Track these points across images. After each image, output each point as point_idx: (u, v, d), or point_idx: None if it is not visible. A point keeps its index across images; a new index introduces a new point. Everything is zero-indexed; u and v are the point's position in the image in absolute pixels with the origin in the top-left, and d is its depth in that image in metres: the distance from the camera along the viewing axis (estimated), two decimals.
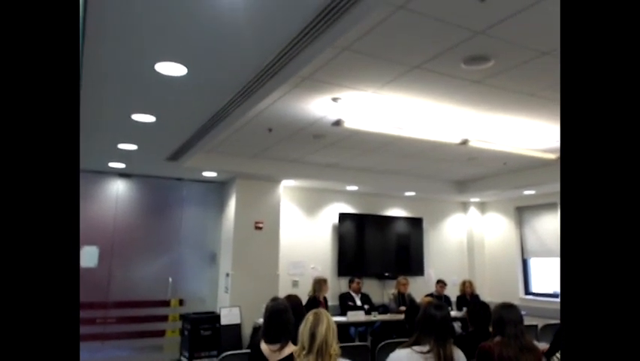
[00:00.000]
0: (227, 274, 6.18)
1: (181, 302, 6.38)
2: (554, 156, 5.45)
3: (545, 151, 5.32)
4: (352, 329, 6.04)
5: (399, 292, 6.59)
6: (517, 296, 7.69)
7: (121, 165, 5.78)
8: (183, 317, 6.12)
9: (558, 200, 7.25)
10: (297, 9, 2.11)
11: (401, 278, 6.72)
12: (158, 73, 2.87)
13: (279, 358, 2.38)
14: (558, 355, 2.48)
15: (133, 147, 4.81)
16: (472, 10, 2.42)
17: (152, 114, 3.74)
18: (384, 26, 2.58)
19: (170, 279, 6.32)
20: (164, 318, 6.28)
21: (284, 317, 2.51)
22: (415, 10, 2.42)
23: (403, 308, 5.86)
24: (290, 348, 2.37)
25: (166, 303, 6.30)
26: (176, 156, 5.19)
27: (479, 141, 4.92)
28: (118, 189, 6.27)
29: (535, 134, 4.71)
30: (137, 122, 3.90)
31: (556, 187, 6.76)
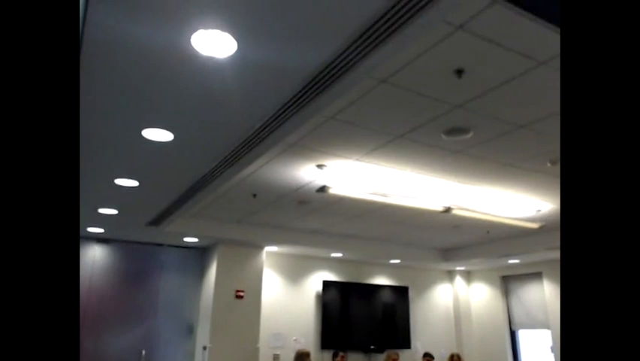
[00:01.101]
0: (205, 348, 5.84)
1: None
2: (537, 225, 5.52)
3: (528, 220, 5.39)
4: None
5: None
6: None
7: (100, 230, 5.64)
8: None
9: (542, 269, 7.25)
10: (286, 80, 2.19)
11: (392, 353, 6.41)
12: (145, 139, 2.89)
13: None
14: None
15: (113, 211, 4.72)
16: (450, 86, 2.54)
17: (135, 179, 3.71)
18: (368, 98, 2.68)
19: (144, 352, 5.94)
20: None
21: None
22: (396, 85, 2.54)
23: None
24: None
25: None
26: (157, 220, 5.10)
27: (462, 210, 4.98)
28: (95, 254, 6.06)
29: (516, 203, 4.79)
30: (119, 186, 3.86)
31: (540, 256, 6.78)
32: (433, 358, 6.56)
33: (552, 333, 6.94)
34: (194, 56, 1.98)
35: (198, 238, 5.99)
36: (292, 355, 5.78)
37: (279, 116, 2.55)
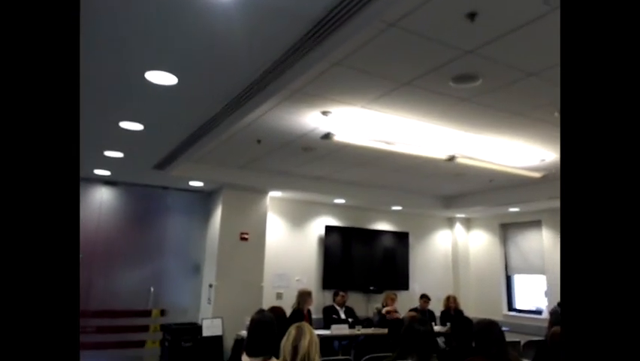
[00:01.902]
0: (211, 285, 6.10)
1: (162, 313, 6.27)
2: (539, 174, 5.54)
3: (531, 169, 5.41)
4: (336, 343, 5.99)
5: (385, 306, 6.54)
6: (501, 312, 7.73)
7: (106, 173, 5.71)
8: (164, 328, 6.01)
9: (542, 218, 7.36)
10: (291, 23, 2.13)
11: (390, 293, 6.67)
12: (148, 82, 2.86)
13: None
14: None
15: (119, 154, 4.76)
16: (462, 30, 2.46)
17: (140, 122, 3.71)
18: (375, 43, 2.61)
19: (152, 289, 6.22)
20: (145, 328, 6.16)
21: (269, 331, 2.48)
22: (405, 28, 2.46)
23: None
24: None
25: (147, 313, 6.18)
26: (162, 164, 5.15)
27: (466, 158, 4.98)
28: (102, 196, 6.18)
29: (521, 152, 4.78)
30: (124, 129, 3.86)
31: (540, 205, 6.86)
32: (430, 299, 6.85)
33: (547, 278, 7.17)
34: None
35: (203, 182, 6.07)
36: (295, 294, 6.04)
37: (285, 60, 2.50)
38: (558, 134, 4.16)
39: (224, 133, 3.96)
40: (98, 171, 5.64)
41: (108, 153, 4.73)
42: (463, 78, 3.05)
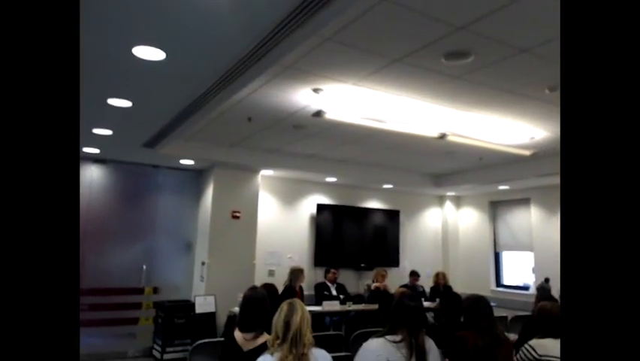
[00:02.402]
0: (203, 263, 6.14)
1: (155, 290, 6.32)
2: (529, 152, 5.58)
3: (520, 147, 5.44)
4: (327, 319, 6.10)
5: (377, 282, 6.64)
6: (489, 288, 7.89)
7: (95, 151, 5.65)
8: (157, 305, 6.06)
9: (531, 195, 7.45)
10: None
11: (380, 270, 6.76)
12: (136, 57, 2.80)
13: (252, 347, 2.38)
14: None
15: (108, 132, 4.70)
16: (455, 5, 2.44)
17: (128, 99, 3.66)
18: (367, 18, 2.57)
19: (145, 266, 6.24)
20: (138, 306, 6.21)
21: (261, 307, 2.51)
22: (398, 3, 2.42)
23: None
24: (264, 337, 2.38)
25: (140, 291, 6.22)
26: (152, 142, 5.10)
27: (457, 136, 4.99)
28: (92, 174, 6.13)
29: (511, 130, 4.80)
30: (112, 106, 3.81)
31: (529, 183, 6.93)
32: (419, 276, 6.96)
33: (535, 255, 7.30)
34: None
35: (194, 160, 6.03)
36: (286, 271, 6.10)
37: (275, 34, 2.46)
38: (549, 112, 4.18)
39: (214, 110, 3.91)
40: (87, 149, 5.58)
41: (97, 131, 4.67)
42: (454, 55, 3.03)
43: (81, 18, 2.37)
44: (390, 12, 2.51)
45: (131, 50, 2.72)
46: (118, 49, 2.72)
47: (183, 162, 6.14)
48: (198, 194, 6.71)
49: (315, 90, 3.72)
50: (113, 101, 3.70)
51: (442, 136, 4.92)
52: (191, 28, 2.43)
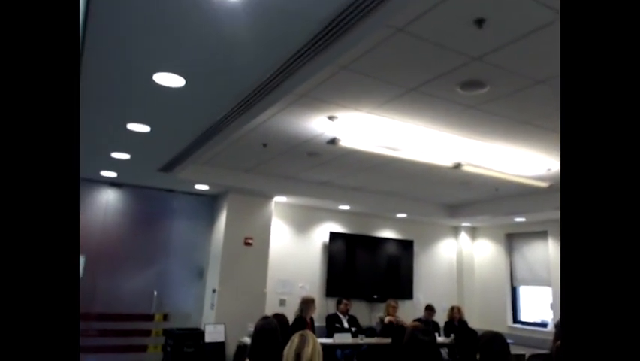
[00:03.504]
0: (214, 290, 6.08)
1: (165, 317, 6.26)
2: (546, 183, 5.50)
3: (537, 179, 5.37)
4: (339, 352, 5.94)
5: (388, 315, 6.50)
6: (506, 324, 7.65)
7: (112, 174, 5.74)
8: (167, 333, 5.99)
9: (548, 228, 7.29)
10: (299, 26, 2.13)
11: (391, 301, 6.63)
12: (156, 83, 2.87)
13: None
14: None
15: (126, 156, 4.78)
16: (470, 36, 2.46)
17: (147, 124, 3.73)
18: (383, 48, 2.61)
19: (156, 292, 6.21)
20: (148, 333, 6.14)
21: (273, 337, 2.46)
22: (413, 34, 2.46)
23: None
24: None
25: (150, 317, 6.17)
26: (168, 167, 5.17)
27: (472, 166, 4.96)
28: (108, 198, 6.20)
29: (527, 161, 4.75)
30: (131, 131, 3.88)
31: (546, 215, 6.80)
32: (435, 311, 6.77)
33: (553, 290, 7.08)
34: None
35: (209, 185, 6.08)
36: (298, 301, 6.00)
37: (292, 63, 2.51)
38: None
39: (230, 136, 3.97)
40: (104, 173, 5.67)
41: (115, 155, 4.76)
42: (470, 85, 3.04)
43: (105, 46, 2.45)
44: (406, 43, 2.54)
45: (152, 77, 2.79)
46: (140, 75, 2.79)
47: (198, 186, 6.19)
48: (212, 219, 6.72)
49: (330, 118, 3.76)
50: (133, 126, 3.77)
51: (457, 166, 4.89)
52: (211, 56, 2.49)
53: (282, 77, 2.67)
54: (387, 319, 6.36)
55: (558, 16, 2.25)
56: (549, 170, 4.99)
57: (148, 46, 2.43)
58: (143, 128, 3.80)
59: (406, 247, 7.91)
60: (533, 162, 4.75)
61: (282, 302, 6.65)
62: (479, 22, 2.32)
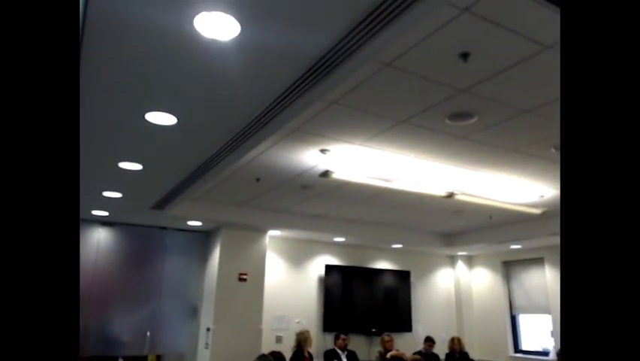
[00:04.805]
0: (208, 329, 5.93)
1: (159, 358, 6.07)
2: (539, 210, 5.52)
3: (530, 206, 5.39)
4: None
5: (385, 350, 6.36)
6: (507, 354, 7.50)
7: (104, 213, 5.68)
8: None
9: (544, 255, 7.27)
10: (289, 64, 2.17)
11: (385, 335, 6.50)
12: (148, 122, 2.89)
13: None
14: None
15: (118, 194, 4.75)
16: (456, 69, 2.52)
17: (139, 162, 3.72)
18: (372, 82, 2.66)
19: (149, 333, 6.04)
20: None
21: None
22: (400, 68, 2.51)
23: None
24: None
25: (143, 359, 5.98)
26: (161, 204, 5.13)
27: (465, 195, 4.97)
28: (99, 237, 6.12)
29: (520, 188, 4.78)
30: (123, 170, 3.87)
31: (542, 242, 6.79)
32: (434, 342, 6.64)
33: (552, 318, 6.99)
34: (197, 38, 1.97)
35: (202, 221, 6.02)
36: (295, 337, 5.86)
37: (282, 100, 2.54)
38: (555, 170, 4.18)
39: (222, 172, 3.96)
40: (95, 212, 5.61)
41: (107, 194, 4.72)
42: (458, 116, 3.09)
43: (96, 87, 2.47)
44: (394, 76, 2.60)
45: (144, 116, 2.80)
46: (132, 115, 2.81)
47: (191, 223, 6.13)
48: (205, 256, 6.63)
49: (322, 151, 3.78)
50: (124, 165, 3.76)
51: (450, 195, 4.90)
52: (202, 94, 2.52)
53: (273, 113, 2.70)
54: (389, 354, 6.21)
55: (541, 48, 2.32)
56: (541, 196, 5.01)
57: (140, 85, 2.45)
58: (135, 166, 3.79)
59: (403, 277, 7.82)
60: (525, 188, 4.79)
61: (279, 339, 6.49)
62: (464, 55, 2.39)
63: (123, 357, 5.86)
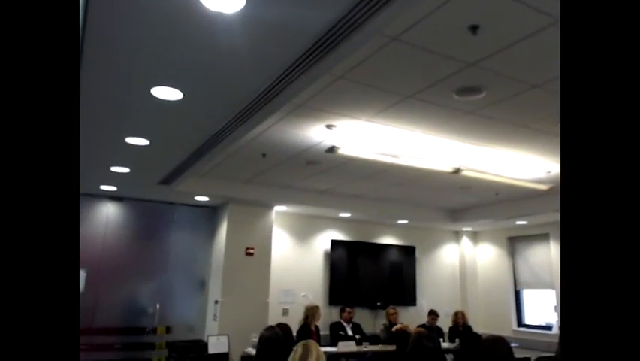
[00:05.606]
0: (216, 302, 6.06)
1: (168, 330, 6.22)
2: (546, 186, 5.50)
3: (537, 182, 5.37)
4: (343, 360, 5.91)
5: (390, 322, 6.48)
6: (510, 328, 7.61)
7: (112, 188, 5.74)
8: (170, 346, 5.96)
9: (550, 231, 7.28)
10: (295, 37, 2.15)
11: (390, 308, 6.62)
12: (154, 97, 2.89)
13: None
14: None
15: (125, 170, 4.79)
16: (464, 43, 2.48)
17: (145, 138, 3.74)
18: (378, 56, 2.63)
19: (158, 305, 6.18)
20: (151, 346, 6.11)
21: (278, 347, 2.46)
22: (408, 42, 2.48)
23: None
24: None
25: (153, 330, 6.14)
26: (168, 179, 5.17)
27: (471, 171, 4.96)
28: (108, 212, 6.20)
29: (527, 164, 4.76)
30: (130, 145, 3.89)
31: (547, 218, 6.79)
32: (438, 316, 6.74)
33: (557, 293, 7.05)
34: (201, 10, 1.94)
35: (209, 197, 6.08)
36: (301, 310, 5.98)
37: (288, 74, 2.52)
38: None
39: (229, 147, 3.97)
40: (104, 187, 5.68)
41: (114, 169, 4.76)
42: (466, 91, 3.06)
43: (102, 62, 2.47)
44: (401, 51, 2.56)
45: (150, 91, 2.80)
46: (138, 90, 2.81)
47: (198, 198, 6.19)
48: (212, 231, 6.71)
49: (329, 126, 3.77)
50: (132, 140, 3.78)
51: (457, 171, 4.89)
52: (208, 69, 2.51)
53: (279, 87, 2.69)
54: (395, 328, 6.32)
55: (552, 20, 2.27)
56: (549, 172, 4.99)
57: (145, 60, 2.44)
58: (141, 141, 3.81)
59: (408, 253, 7.89)
60: (532, 164, 4.76)
61: (285, 312, 6.62)
62: (473, 28, 2.34)
63: (134, 328, 6.02)
